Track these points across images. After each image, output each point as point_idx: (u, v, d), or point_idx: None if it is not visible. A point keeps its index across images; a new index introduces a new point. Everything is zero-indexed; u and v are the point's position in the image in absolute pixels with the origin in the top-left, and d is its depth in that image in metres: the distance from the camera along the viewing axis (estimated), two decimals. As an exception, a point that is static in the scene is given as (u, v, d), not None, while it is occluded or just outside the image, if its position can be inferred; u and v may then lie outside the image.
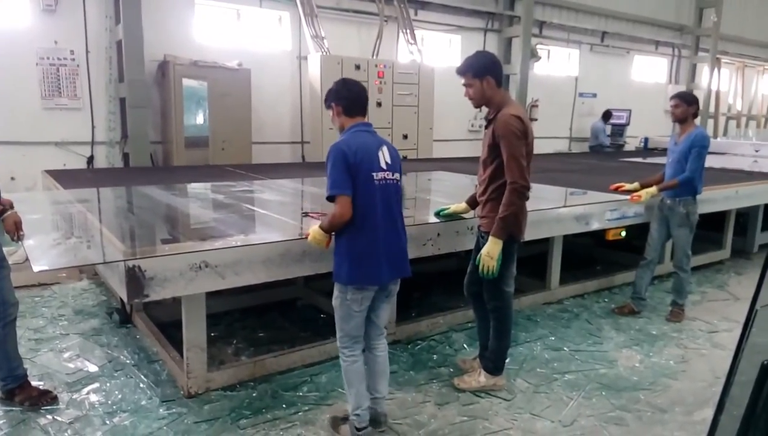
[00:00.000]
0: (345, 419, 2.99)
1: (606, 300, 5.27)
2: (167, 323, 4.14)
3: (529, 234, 3.61)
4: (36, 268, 2.74)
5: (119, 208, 4.81)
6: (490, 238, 3.17)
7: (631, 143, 13.35)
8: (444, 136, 10.69)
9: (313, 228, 2.88)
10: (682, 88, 14.91)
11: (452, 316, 4.54)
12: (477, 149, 3.47)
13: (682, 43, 15.16)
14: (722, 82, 15.64)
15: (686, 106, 4.56)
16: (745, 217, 6.93)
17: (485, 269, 3.19)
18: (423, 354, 4.03)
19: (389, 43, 9.89)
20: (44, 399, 3.23)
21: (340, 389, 3.36)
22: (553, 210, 4.65)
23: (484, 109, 3.35)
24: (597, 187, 5.49)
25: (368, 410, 2.92)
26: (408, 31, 9.70)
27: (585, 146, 13.12)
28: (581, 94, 13.48)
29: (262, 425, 3.09)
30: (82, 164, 7.79)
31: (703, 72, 15.25)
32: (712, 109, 15.23)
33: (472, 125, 11.42)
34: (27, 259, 5.80)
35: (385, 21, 9.54)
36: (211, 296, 3.42)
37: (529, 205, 3.39)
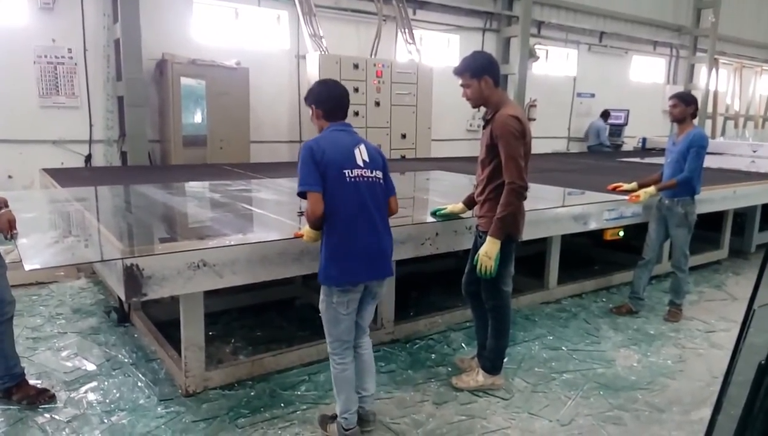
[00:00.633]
0: (334, 417, 3.00)
1: (604, 300, 5.28)
2: (165, 321, 4.14)
3: (528, 234, 3.61)
4: (28, 266, 2.73)
5: (117, 207, 4.80)
6: (488, 238, 3.17)
7: (629, 143, 13.38)
8: (442, 135, 10.69)
9: (305, 228, 2.92)
10: (679, 88, 14.93)
11: (450, 315, 4.54)
12: (475, 149, 3.47)
13: (680, 44, 15.18)
14: (720, 83, 15.66)
15: (684, 106, 4.57)
16: (742, 217, 6.94)
17: (483, 269, 3.19)
18: (421, 353, 4.04)
19: (388, 43, 9.88)
20: (42, 398, 3.22)
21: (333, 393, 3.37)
22: (552, 210, 4.66)
23: (483, 109, 3.35)
24: (595, 187, 5.50)
25: (356, 413, 2.95)
26: (406, 30, 9.70)
27: (583, 146, 13.15)
28: (579, 94, 13.49)
29: (260, 424, 3.09)
30: (79, 163, 7.77)
31: (701, 72, 15.27)
32: (710, 109, 15.26)
33: (471, 125, 11.43)
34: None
35: (384, 20, 9.54)
36: (209, 294, 3.42)
37: (527, 205, 3.39)
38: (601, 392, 3.54)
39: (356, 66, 8.60)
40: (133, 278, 2.81)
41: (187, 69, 7.79)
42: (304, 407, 3.28)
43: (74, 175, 6.30)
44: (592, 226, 4.87)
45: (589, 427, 3.16)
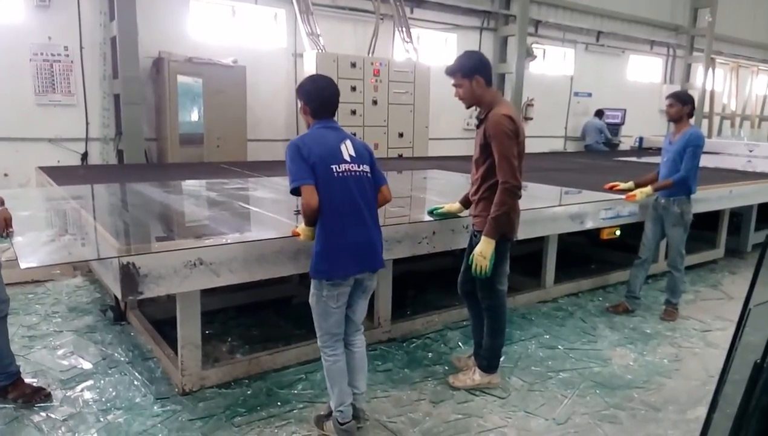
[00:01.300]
0: (327, 415, 3.01)
1: (600, 299, 5.29)
2: (162, 320, 4.14)
3: (524, 233, 3.62)
4: (23, 265, 2.72)
5: (113, 206, 4.79)
6: (483, 237, 3.17)
7: (626, 143, 13.41)
8: (439, 134, 10.69)
9: (300, 226, 2.92)
10: (676, 87, 14.95)
11: (447, 314, 4.54)
12: (472, 148, 3.47)
13: (677, 43, 15.21)
14: (716, 83, 15.69)
15: (681, 105, 4.58)
16: (738, 216, 6.97)
17: (478, 269, 3.19)
18: (418, 352, 4.04)
19: (385, 41, 9.88)
20: (38, 396, 3.21)
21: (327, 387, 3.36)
22: (548, 209, 4.66)
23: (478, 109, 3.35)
24: (592, 187, 5.51)
25: (351, 406, 2.95)
26: (404, 29, 9.69)
27: (580, 145, 13.17)
28: (576, 94, 13.51)
29: (257, 423, 3.09)
30: (76, 161, 7.75)
31: (698, 72, 15.30)
32: (706, 109, 15.29)
33: (468, 124, 11.43)
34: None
35: (381, 19, 9.53)
36: (205, 293, 3.41)
37: (525, 204, 3.39)
38: (598, 391, 3.55)
39: (353, 64, 8.60)
40: (129, 276, 2.81)
41: (183, 67, 7.77)
42: (301, 405, 3.28)
43: (70, 173, 6.28)
44: (589, 225, 4.88)
45: (585, 426, 3.17)
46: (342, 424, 2.91)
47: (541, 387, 3.58)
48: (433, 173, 6.99)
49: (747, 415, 1.29)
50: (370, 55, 9.33)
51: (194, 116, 8.08)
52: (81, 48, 7.63)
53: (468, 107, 3.34)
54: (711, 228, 6.59)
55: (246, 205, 4.58)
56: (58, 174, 5.85)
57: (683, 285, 4.99)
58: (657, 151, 8.42)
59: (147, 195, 4.98)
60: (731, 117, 16.53)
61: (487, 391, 3.49)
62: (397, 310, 4.29)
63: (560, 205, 4.86)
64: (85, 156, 7.85)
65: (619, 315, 4.85)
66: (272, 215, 4.25)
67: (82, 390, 3.38)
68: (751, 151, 10.90)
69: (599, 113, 12.74)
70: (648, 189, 4.71)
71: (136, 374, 3.58)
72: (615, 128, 13.20)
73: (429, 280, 5.41)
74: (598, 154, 11.59)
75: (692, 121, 4.70)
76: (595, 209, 4.88)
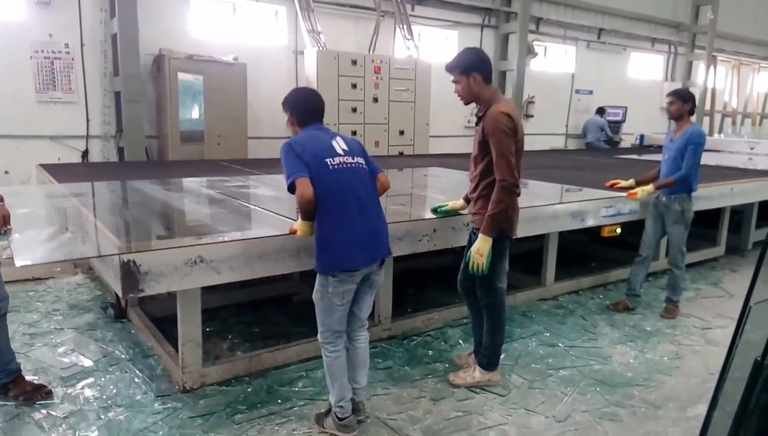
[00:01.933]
0: (327, 413, 3.02)
1: (601, 297, 5.29)
2: (162, 318, 4.14)
3: (525, 230, 3.62)
4: (18, 263, 2.71)
5: (114, 203, 4.79)
6: (480, 235, 3.17)
7: (627, 140, 13.39)
8: (440, 132, 10.68)
9: (298, 222, 2.92)
10: (678, 85, 14.93)
11: (448, 311, 4.55)
12: (473, 146, 3.47)
13: (678, 41, 15.18)
14: (718, 80, 15.66)
15: (682, 103, 4.57)
16: (739, 214, 6.95)
17: (475, 266, 3.19)
18: (418, 350, 4.04)
19: (386, 39, 9.86)
20: (38, 394, 3.22)
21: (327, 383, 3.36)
22: (549, 206, 4.65)
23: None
24: (592, 184, 5.50)
25: (351, 402, 2.96)
26: (405, 26, 9.68)
27: (581, 143, 13.15)
28: (577, 91, 13.49)
29: (257, 420, 3.09)
30: (76, 158, 7.75)
31: (699, 69, 15.27)
32: (707, 106, 15.27)
33: (469, 121, 11.41)
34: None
35: (382, 16, 9.52)
36: (206, 291, 3.41)
37: (525, 201, 3.40)
38: (598, 389, 3.55)
39: (354, 62, 8.59)
40: (130, 274, 2.81)
41: (184, 64, 7.76)
42: (302, 403, 3.28)
43: (71, 170, 6.28)
44: (590, 223, 4.88)
45: (585, 423, 3.17)
46: (341, 419, 2.92)
47: (542, 385, 3.58)
48: (434, 171, 6.98)
49: (747, 413, 1.29)
50: (371, 52, 9.31)
51: (195, 114, 8.08)
52: (82, 45, 7.63)
53: (466, 104, 3.33)
54: (712, 226, 6.58)
55: (246, 203, 4.58)
56: (59, 171, 5.85)
57: (684, 283, 4.98)
58: (658, 148, 8.40)
59: (147, 193, 4.99)
60: (732, 115, 16.51)
61: (487, 388, 3.49)
62: (397, 307, 4.29)
63: (561, 202, 4.86)
64: (85, 153, 7.85)
65: (620, 313, 4.85)
66: (273, 213, 4.24)
67: (82, 388, 3.38)
68: (752, 148, 10.88)
69: (600, 111, 12.74)
70: (650, 187, 4.70)
71: (137, 371, 3.58)
72: (616, 126, 13.18)
73: (429, 277, 5.41)
74: (599, 151, 11.58)
75: (693, 118, 4.69)
76: (595, 207, 4.87)
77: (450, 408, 3.28)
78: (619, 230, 5.16)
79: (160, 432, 2.96)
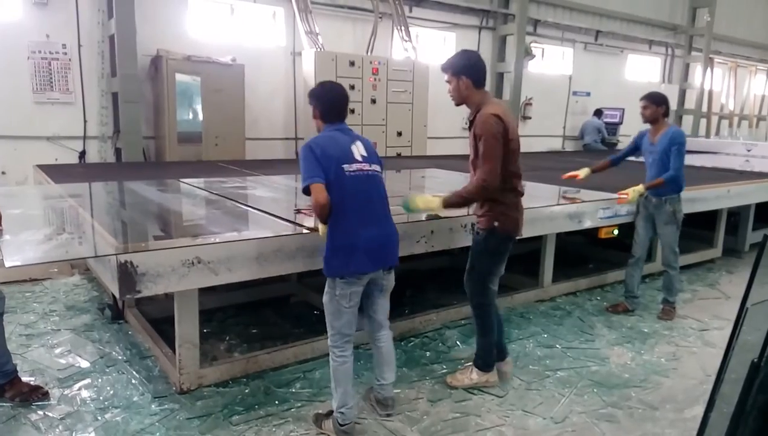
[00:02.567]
0: (328, 414, 3.02)
1: (598, 298, 5.30)
2: (159, 319, 4.13)
3: (523, 231, 3.61)
4: (8, 263, 2.68)
5: (111, 204, 4.78)
6: (438, 202, 3.25)
7: (624, 142, 13.40)
8: (438, 133, 10.68)
9: (317, 224, 2.97)
10: (675, 87, 14.99)
11: (445, 313, 4.55)
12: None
13: (675, 43, 15.21)
14: (715, 82, 15.69)
15: (655, 106, 4.63)
16: (736, 216, 6.97)
17: (405, 202, 3.35)
18: (416, 351, 4.04)
19: (384, 40, 9.86)
20: (35, 395, 3.21)
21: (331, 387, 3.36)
22: (546, 208, 4.66)
23: None
24: (589, 186, 5.51)
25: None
26: (403, 28, 9.68)
27: (578, 145, 13.17)
28: (575, 93, 13.51)
29: (255, 422, 3.09)
30: (74, 159, 7.73)
31: (696, 72, 15.30)
32: (704, 108, 15.30)
33: (466, 123, 11.38)
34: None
35: (380, 18, 9.52)
36: (203, 291, 3.41)
37: (523, 202, 3.40)
38: (595, 390, 3.55)
39: (352, 63, 8.58)
40: (127, 274, 2.80)
41: (182, 65, 7.75)
42: (299, 404, 3.28)
43: (68, 171, 6.26)
44: (587, 224, 4.89)
45: (582, 424, 3.17)
46: (342, 425, 2.91)
47: (539, 386, 3.58)
48: (432, 172, 6.98)
49: (744, 414, 1.29)
50: (369, 53, 9.31)
51: (192, 115, 8.07)
52: (79, 46, 7.61)
53: (456, 105, 3.36)
54: (709, 227, 6.59)
55: (244, 204, 4.58)
56: (56, 172, 5.83)
57: (680, 284, 5.00)
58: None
59: (145, 194, 4.98)
60: (729, 117, 16.54)
61: (484, 390, 3.49)
62: (395, 309, 4.27)
63: (558, 204, 4.87)
64: (83, 154, 7.83)
65: (618, 315, 4.85)
66: (270, 214, 4.24)
67: (79, 389, 3.37)
68: (749, 150, 10.91)
69: (598, 113, 12.75)
70: (640, 187, 4.71)
71: (134, 372, 3.58)
72: (613, 127, 13.20)
73: (427, 279, 5.41)
74: (597, 153, 11.59)
75: (669, 120, 4.73)
76: (593, 208, 4.88)
77: (448, 409, 3.28)
78: (616, 232, 5.17)
79: (157, 433, 2.96)
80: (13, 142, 7.34)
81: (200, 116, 8.01)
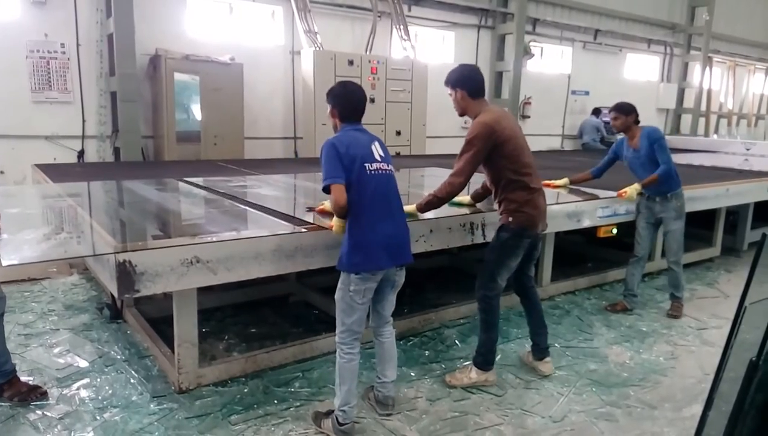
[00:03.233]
0: (328, 413, 3.03)
1: (597, 297, 5.30)
2: (158, 318, 4.13)
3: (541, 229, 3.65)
4: (5, 262, 2.69)
5: (109, 203, 4.78)
6: (413, 208, 3.49)
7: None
8: (437, 132, 10.67)
9: (334, 219, 3.02)
10: (674, 86, 15.00)
11: (444, 312, 4.55)
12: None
13: (674, 42, 15.21)
14: (714, 81, 15.70)
15: (625, 116, 4.70)
16: (735, 215, 6.98)
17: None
18: (415, 350, 4.04)
19: (383, 39, 9.86)
20: (34, 395, 3.21)
21: (331, 385, 3.35)
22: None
23: None
24: (588, 185, 5.50)
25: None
26: (401, 27, 9.68)
27: (577, 144, 13.17)
28: (574, 92, 13.51)
29: (254, 421, 3.09)
30: (72, 159, 7.72)
31: (695, 70, 15.31)
32: (703, 107, 15.31)
33: (466, 122, 11.36)
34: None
35: (379, 17, 9.51)
36: (202, 291, 3.41)
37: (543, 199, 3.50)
38: (594, 389, 3.55)
39: (351, 62, 8.58)
40: (125, 274, 2.80)
41: (180, 64, 7.75)
42: (298, 403, 3.28)
43: (67, 170, 6.25)
44: (586, 223, 4.89)
45: (581, 423, 3.17)
46: (342, 424, 2.92)
47: (538, 385, 3.59)
48: (431, 171, 6.98)
49: (742, 413, 1.29)
50: (368, 52, 9.31)
51: (191, 114, 8.06)
52: (78, 45, 7.60)
53: (459, 115, 3.56)
54: (707, 226, 6.60)
55: (243, 203, 4.57)
56: (54, 171, 5.83)
57: (683, 279, 5.02)
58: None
59: (143, 193, 4.97)
60: (728, 116, 16.55)
61: (483, 389, 3.50)
62: (394, 308, 4.28)
63: (557, 203, 4.86)
64: (81, 154, 7.82)
65: (617, 314, 4.86)
66: (269, 213, 4.24)
67: (78, 388, 3.37)
68: (748, 149, 10.92)
69: (596, 111, 12.75)
70: (637, 185, 4.74)
71: (133, 372, 3.58)
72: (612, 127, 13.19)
73: (426, 278, 5.41)
74: (595, 152, 11.59)
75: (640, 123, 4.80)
76: (591, 208, 4.88)
77: (446, 409, 3.28)
78: (615, 231, 5.17)
79: (156, 433, 2.95)
80: (12, 142, 7.33)
81: (199, 116, 8.01)
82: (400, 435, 3.02)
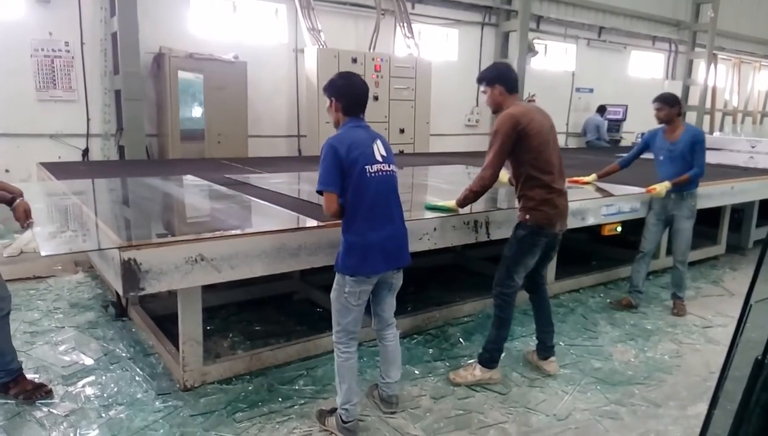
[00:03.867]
0: (332, 411, 3.03)
1: (601, 295, 5.29)
2: (163, 316, 4.14)
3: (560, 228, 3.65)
4: (44, 252, 2.80)
5: (114, 202, 4.79)
6: (453, 203, 3.71)
7: (628, 139, 13.37)
8: (440, 130, 10.66)
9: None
10: (678, 83, 14.94)
11: (448, 310, 4.55)
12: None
13: (678, 39, 15.16)
14: (718, 78, 15.65)
15: (669, 108, 4.67)
16: (740, 213, 6.95)
17: (430, 205, 3.89)
18: (419, 348, 4.04)
19: (386, 37, 9.85)
20: (39, 392, 3.22)
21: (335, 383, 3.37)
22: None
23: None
24: (613, 179, 5.47)
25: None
26: (405, 24, 9.67)
27: (581, 142, 13.13)
28: (578, 89, 13.47)
29: (258, 419, 3.10)
30: (77, 157, 7.75)
31: (700, 68, 15.24)
32: (708, 105, 15.25)
33: (469, 120, 11.39)
34: (22, 252, 5.79)
35: (382, 14, 9.51)
36: (207, 289, 3.42)
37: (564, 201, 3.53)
38: (598, 387, 3.55)
39: (354, 60, 8.58)
40: (130, 272, 2.81)
41: (184, 63, 7.76)
42: (302, 401, 3.28)
43: (71, 169, 6.28)
44: (590, 221, 4.88)
45: (585, 422, 3.17)
46: (345, 422, 2.92)
47: (542, 383, 3.58)
48: (435, 169, 6.97)
49: (748, 411, 1.29)
50: (371, 50, 9.31)
51: (195, 112, 8.08)
52: (82, 44, 7.62)
53: (493, 112, 3.58)
54: (712, 224, 6.58)
55: (247, 202, 4.58)
56: (59, 170, 5.84)
57: (687, 279, 5.01)
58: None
59: (148, 191, 4.98)
60: (733, 113, 16.49)
61: (487, 387, 3.50)
62: (398, 306, 4.27)
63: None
64: (86, 152, 7.85)
65: (621, 311, 4.85)
66: (273, 212, 4.24)
67: (83, 386, 3.39)
68: (753, 147, 10.86)
69: (601, 109, 12.70)
70: (666, 183, 4.70)
71: (138, 369, 3.59)
72: (617, 124, 13.15)
73: (430, 276, 5.41)
74: (599, 150, 11.56)
75: (694, 119, 4.75)
76: (596, 205, 4.87)
77: (450, 407, 3.29)
78: (619, 229, 5.16)
79: (161, 430, 2.97)
80: (17, 140, 7.36)
81: (203, 114, 8.02)
82: (404, 433, 3.02)
